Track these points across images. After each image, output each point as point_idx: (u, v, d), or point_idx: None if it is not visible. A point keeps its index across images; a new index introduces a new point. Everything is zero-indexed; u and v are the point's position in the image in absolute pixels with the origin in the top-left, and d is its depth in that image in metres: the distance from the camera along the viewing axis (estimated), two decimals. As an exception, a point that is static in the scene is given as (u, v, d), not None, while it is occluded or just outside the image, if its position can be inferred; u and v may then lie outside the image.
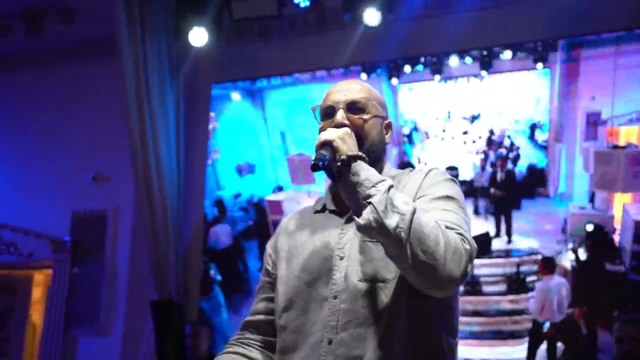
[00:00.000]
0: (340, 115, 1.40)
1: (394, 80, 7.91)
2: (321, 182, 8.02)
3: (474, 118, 9.60)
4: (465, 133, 9.94)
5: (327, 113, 1.44)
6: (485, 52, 6.77)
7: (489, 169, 8.41)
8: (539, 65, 7.34)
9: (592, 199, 7.19)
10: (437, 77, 7.58)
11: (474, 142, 9.49)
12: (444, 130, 9.80)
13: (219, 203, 7.38)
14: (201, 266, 4.74)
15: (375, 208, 1.16)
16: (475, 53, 6.91)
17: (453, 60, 6.82)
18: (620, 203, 6.82)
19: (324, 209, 1.50)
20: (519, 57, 7.42)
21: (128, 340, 4.60)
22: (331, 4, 4.05)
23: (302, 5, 3.89)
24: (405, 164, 8.26)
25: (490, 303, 6.48)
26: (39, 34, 4.62)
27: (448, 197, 1.34)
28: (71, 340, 4.70)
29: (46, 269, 5.05)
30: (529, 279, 6.63)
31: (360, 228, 1.19)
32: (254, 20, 3.97)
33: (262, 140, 8.53)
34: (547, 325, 5.33)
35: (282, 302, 1.41)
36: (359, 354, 1.25)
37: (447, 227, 1.22)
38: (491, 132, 9.50)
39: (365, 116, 1.43)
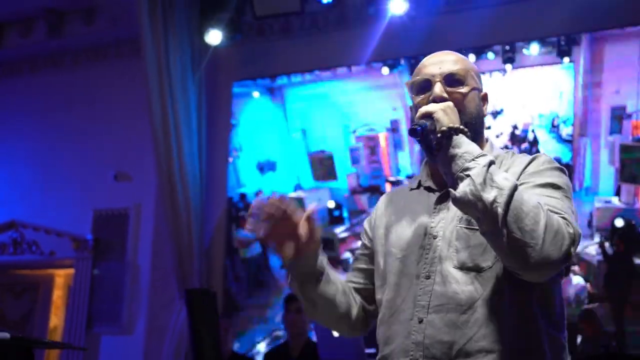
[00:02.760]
0: (439, 89, 1.32)
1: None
2: (343, 179, 7.99)
3: (497, 113, 9.46)
4: (488, 128, 9.83)
5: (423, 87, 1.36)
6: (507, 47, 6.67)
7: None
8: (566, 59, 7.22)
9: (617, 192, 7.07)
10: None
11: (497, 137, 9.36)
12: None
13: (243, 197, 7.43)
14: (224, 262, 4.74)
15: (473, 180, 1.12)
16: (497, 48, 6.80)
17: (490, 55, 6.74)
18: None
19: (419, 186, 1.45)
20: (543, 51, 7.31)
21: (151, 338, 4.62)
22: (353, 1, 4.01)
23: (325, 1, 3.85)
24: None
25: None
26: (61, 34, 4.66)
27: (554, 185, 1.26)
28: (93, 338, 4.73)
29: (68, 268, 5.09)
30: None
31: (456, 200, 1.16)
32: (276, 17, 3.94)
33: (283, 137, 8.51)
34: None
35: (379, 278, 1.41)
36: (448, 339, 1.22)
37: (550, 211, 1.14)
38: (514, 127, 9.38)
39: (464, 89, 1.34)
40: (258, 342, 5.97)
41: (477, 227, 1.21)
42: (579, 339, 5.06)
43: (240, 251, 7.08)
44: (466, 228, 1.27)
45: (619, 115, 7.36)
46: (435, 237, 1.31)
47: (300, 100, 8.39)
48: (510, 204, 1.10)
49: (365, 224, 1.54)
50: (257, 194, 8.23)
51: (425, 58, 1.43)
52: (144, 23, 3.91)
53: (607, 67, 7.49)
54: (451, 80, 1.34)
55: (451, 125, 1.21)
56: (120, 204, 4.98)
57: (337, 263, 6.95)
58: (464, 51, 6.97)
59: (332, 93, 8.05)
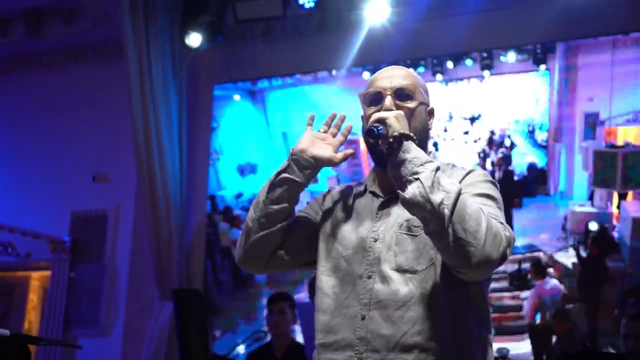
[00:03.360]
0: (389, 102, 1.42)
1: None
2: (323, 182, 8.00)
3: (474, 119, 9.61)
4: (466, 133, 9.96)
5: (375, 99, 1.46)
6: (485, 54, 6.79)
7: (489, 168, 8.45)
8: (542, 66, 7.38)
9: (591, 197, 7.22)
10: (439, 76, 7.60)
11: (475, 142, 9.51)
12: (445, 131, 9.82)
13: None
14: (204, 264, 4.72)
15: (422, 183, 1.21)
16: (475, 55, 6.92)
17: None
18: (618, 201, 6.86)
19: (365, 190, 1.54)
20: (519, 59, 7.44)
21: (129, 340, 4.58)
22: (335, 6, 4.04)
23: (307, 6, 3.87)
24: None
25: (492, 299, 6.51)
26: (40, 34, 4.60)
27: (489, 196, 1.37)
28: (70, 340, 4.66)
29: (44, 270, 5.02)
30: (529, 276, 6.66)
31: (405, 201, 1.23)
32: (257, 21, 3.95)
33: (263, 140, 8.51)
34: (538, 317, 5.40)
35: (322, 267, 1.48)
36: (386, 333, 1.31)
37: (489, 216, 1.25)
38: (492, 133, 9.54)
39: (412, 104, 1.44)
40: (238, 344, 5.95)
41: (415, 234, 1.35)
42: (554, 339, 5.18)
43: (233, 250, 7.10)
44: (405, 234, 1.38)
45: (592, 122, 7.51)
46: (376, 240, 1.41)
47: (281, 103, 8.41)
48: (456, 206, 1.18)
49: (320, 198, 1.62)
50: (237, 197, 8.24)
51: (378, 72, 1.52)
52: (126, 25, 3.89)
53: (580, 75, 7.66)
54: (401, 94, 1.44)
55: (402, 131, 1.30)
56: (99, 205, 4.93)
57: (315, 263, 6.99)
58: (442, 58, 7.09)
59: (313, 97, 8.08)
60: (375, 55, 4.41)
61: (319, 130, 1.54)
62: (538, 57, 7.35)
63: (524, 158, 9.17)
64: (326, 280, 1.46)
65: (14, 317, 5.17)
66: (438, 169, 1.25)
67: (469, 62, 7.17)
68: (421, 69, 7.58)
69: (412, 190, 1.22)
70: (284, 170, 1.46)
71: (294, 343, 3.50)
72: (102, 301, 4.71)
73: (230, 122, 7.97)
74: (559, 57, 7.69)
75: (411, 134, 1.30)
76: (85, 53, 4.96)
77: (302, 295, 6.12)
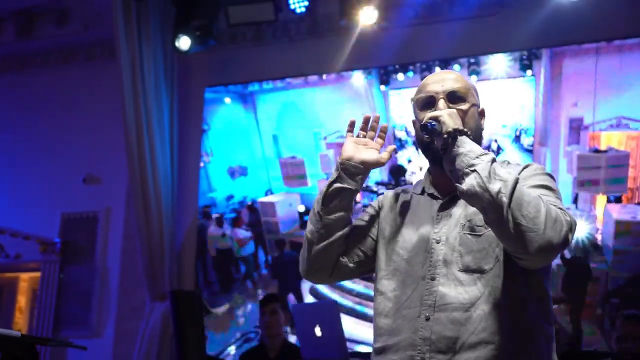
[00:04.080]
0: (442, 105, 1.43)
1: (382, 87, 8.02)
2: (314, 184, 8.02)
3: (461, 123, 9.71)
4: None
5: (427, 103, 1.47)
6: (473, 60, 6.86)
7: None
8: (528, 72, 7.47)
9: (575, 200, 7.30)
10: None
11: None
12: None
13: (207, 214, 7.43)
14: (195, 265, 4.71)
15: (479, 174, 1.22)
16: (463, 60, 6.99)
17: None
18: (602, 204, 6.94)
19: (422, 192, 1.55)
20: (506, 64, 7.52)
21: (120, 341, 4.57)
22: (325, 11, 4.08)
23: (298, 11, 3.90)
24: (397, 167, 8.35)
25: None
26: (31, 35, 4.58)
27: (546, 186, 1.37)
28: (60, 340, 4.63)
29: (34, 271, 4.99)
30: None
31: (463, 193, 1.25)
32: (249, 25, 3.97)
33: (254, 143, 8.50)
34: None
35: (383, 271, 1.49)
36: (452, 335, 1.31)
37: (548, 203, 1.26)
38: (479, 138, 9.67)
39: (465, 106, 1.46)
40: (229, 345, 5.93)
41: (479, 233, 1.35)
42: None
43: (235, 249, 7.13)
44: (469, 234, 1.38)
45: (576, 127, 7.60)
46: (438, 242, 1.41)
47: (272, 106, 8.42)
48: (513, 194, 1.19)
49: (375, 204, 1.63)
50: (227, 199, 8.24)
51: (428, 76, 1.54)
52: (118, 28, 3.89)
53: (565, 81, 7.74)
54: (453, 97, 1.46)
55: (456, 127, 1.31)
56: (90, 207, 4.91)
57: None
58: (431, 63, 7.16)
59: (303, 100, 8.09)
60: (366, 60, 4.45)
61: (357, 136, 1.54)
62: (524, 63, 7.44)
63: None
64: (387, 284, 1.46)
65: (2, 318, 5.13)
66: (494, 160, 1.27)
67: (456, 67, 7.25)
68: (410, 74, 7.65)
69: (469, 182, 1.23)
70: (335, 181, 1.47)
71: (286, 343, 3.52)
72: (92, 302, 4.69)
73: (221, 124, 7.96)
74: (544, 63, 7.79)
75: (465, 129, 1.32)
76: (77, 54, 4.94)
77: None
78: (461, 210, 1.42)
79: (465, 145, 1.29)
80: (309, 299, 6.43)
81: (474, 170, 1.23)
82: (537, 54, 7.41)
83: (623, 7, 3.76)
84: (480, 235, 1.36)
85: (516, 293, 1.34)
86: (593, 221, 6.80)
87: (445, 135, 1.30)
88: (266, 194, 8.12)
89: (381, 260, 1.51)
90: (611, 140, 7.17)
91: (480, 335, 1.30)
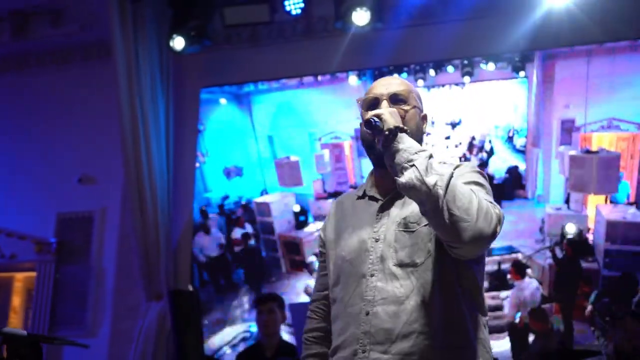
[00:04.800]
0: (385, 106, 1.52)
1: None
2: (309, 185, 8.02)
3: (455, 124, 9.74)
4: (447, 138, 10.09)
5: (372, 104, 1.57)
6: (466, 62, 6.88)
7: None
8: (521, 73, 7.51)
9: (567, 200, 7.34)
10: (421, 82, 7.69)
11: (456, 146, 9.64)
12: (427, 135, 10.00)
13: (203, 212, 7.38)
14: (191, 266, 4.70)
15: (417, 168, 1.30)
16: (457, 62, 7.02)
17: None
18: (594, 204, 6.98)
19: (364, 195, 1.63)
20: (499, 67, 7.56)
21: (115, 341, 4.54)
22: (320, 13, 4.06)
23: (294, 12, 3.89)
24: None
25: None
26: (26, 36, 4.55)
27: (477, 182, 1.45)
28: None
29: (29, 271, 4.95)
30: (510, 276, 6.75)
31: (401, 186, 1.31)
32: (245, 26, 3.96)
33: (249, 143, 8.51)
34: (518, 316, 5.48)
35: (332, 279, 1.59)
36: (389, 327, 1.40)
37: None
38: (472, 138, 9.67)
39: (406, 107, 1.55)
40: (226, 344, 5.93)
41: (411, 229, 1.44)
42: (531, 337, 5.25)
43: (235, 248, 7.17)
44: (403, 231, 1.47)
45: (568, 128, 7.65)
46: (377, 241, 1.50)
47: (267, 107, 8.42)
48: (448, 186, 1.26)
49: (321, 233, 1.74)
50: (223, 199, 8.23)
51: (376, 81, 1.64)
52: (114, 29, 3.87)
53: (557, 83, 7.79)
54: (395, 99, 1.55)
55: (396, 124, 1.37)
56: (85, 207, 4.88)
57: (303, 265, 7.00)
58: (424, 65, 7.16)
59: (298, 101, 8.10)
60: (360, 61, 4.44)
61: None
62: (517, 65, 7.49)
63: (503, 163, 9.30)
64: (336, 290, 1.56)
65: (-2, 317, 5.11)
66: (431, 156, 1.33)
67: (450, 69, 7.28)
68: (404, 75, 7.67)
69: (408, 175, 1.30)
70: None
71: (283, 342, 3.51)
72: (88, 302, 4.66)
73: (216, 125, 7.97)
74: (537, 65, 7.83)
75: (404, 127, 1.38)
76: (73, 55, 4.90)
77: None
78: (398, 210, 1.51)
79: (405, 141, 1.35)
80: (303, 298, 6.42)
81: (413, 165, 1.30)
82: (530, 56, 7.45)
83: (614, 10, 3.77)
84: (413, 232, 1.46)
85: (447, 285, 1.42)
86: (585, 221, 6.84)
87: (387, 132, 1.36)
88: (261, 194, 8.12)
89: (330, 270, 1.62)
90: (602, 141, 7.22)
91: (413, 325, 1.39)
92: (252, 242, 7.32)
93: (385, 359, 1.39)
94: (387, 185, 1.54)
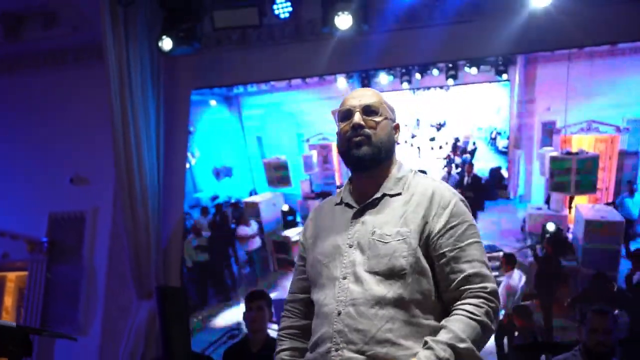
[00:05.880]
0: (357, 117, 1.57)
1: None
2: (297, 185, 8.02)
3: (440, 126, 9.79)
4: (432, 139, 10.14)
5: (345, 116, 1.61)
6: (450, 65, 6.93)
7: (454, 173, 8.60)
8: (504, 76, 7.58)
9: (547, 201, 7.41)
10: (406, 85, 7.72)
11: (440, 147, 9.68)
12: (412, 137, 9.98)
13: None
14: (181, 265, 4.68)
15: None
16: (441, 65, 7.06)
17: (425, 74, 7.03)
18: (573, 204, 7.05)
19: (341, 202, 1.66)
20: (482, 70, 7.61)
21: (107, 339, 4.51)
22: (309, 16, 4.08)
23: (283, 16, 3.89)
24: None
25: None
26: (19, 38, 4.51)
27: (474, 243, 1.53)
28: (47, 339, 4.56)
29: (21, 270, 4.91)
30: (493, 274, 6.80)
31: None
32: (234, 29, 3.96)
33: (239, 144, 8.49)
34: (502, 313, 5.53)
35: (311, 281, 1.63)
36: (362, 328, 1.43)
37: (475, 276, 1.47)
38: (456, 139, 9.73)
39: (378, 118, 1.59)
40: (214, 342, 5.90)
41: (386, 241, 1.48)
42: (516, 333, 5.30)
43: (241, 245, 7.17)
44: (377, 240, 1.50)
45: (549, 130, 7.73)
46: (350, 246, 1.53)
47: (256, 109, 8.41)
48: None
49: (301, 237, 1.77)
50: (212, 199, 8.21)
51: (349, 93, 1.68)
52: (106, 31, 3.86)
53: (538, 85, 7.87)
54: (368, 110, 1.59)
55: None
56: (77, 207, 4.85)
57: (290, 265, 7.00)
58: (410, 68, 7.19)
59: (287, 103, 8.10)
60: (348, 64, 4.46)
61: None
62: (499, 69, 7.55)
63: (485, 163, 9.38)
64: (315, 292, 1.59)
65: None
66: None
67: (435, 72, 7.32)
68: (390, 78, 7.71)
69: None
70: None
71: (269, 338, 3.52)
72: (79, 301, 4.63)
73: (206, 126, 7.95)
74: (519, 69, 7.89)
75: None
76: (65, 57, 4.88)
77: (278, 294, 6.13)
78: (372, 218, 1.55)
79: None
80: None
81: None
82: (512, 59, 7.51)
83: (595, 15, 3.82)
84: (387, 243, 1.48)
85: (422, 303, 1.47)
86: (565, 221, 6.91)
87: None
88: (250, 194, 8.11)
89: (309, 274, 1.65)
90: (582, 143, 7.30)
91: (386, 334, 1.42)
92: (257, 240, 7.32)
93: (360, 359, 1.42)
94: (363, 193, 1.60)
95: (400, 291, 1.45)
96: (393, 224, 1.50)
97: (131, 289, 4.42)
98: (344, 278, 1.50)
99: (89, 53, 4.70)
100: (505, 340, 5.46)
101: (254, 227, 7.41)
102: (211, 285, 7.09)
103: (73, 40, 4.66)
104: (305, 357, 1.58)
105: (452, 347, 1.36)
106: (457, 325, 1.40)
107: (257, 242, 7.41)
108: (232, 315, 6.48)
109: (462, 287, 1.46)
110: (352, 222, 1.57)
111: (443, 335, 1.39)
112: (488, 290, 1.46)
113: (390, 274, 1.46)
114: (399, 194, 1.56)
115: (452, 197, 1.55)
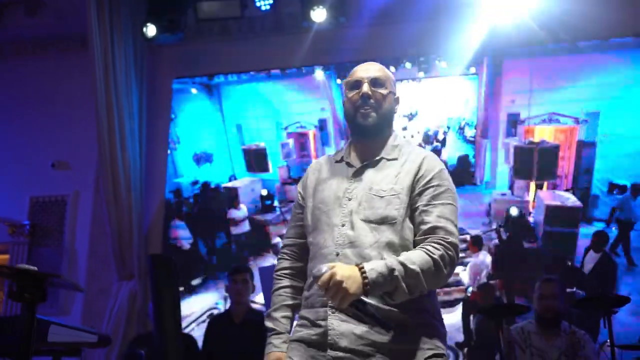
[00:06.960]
0: (366, 87, 1.71)
1: (339, 80, 8.14)
2: (275, 171, 8.05)
3: (412, 116, 9.91)
4: (404, 129, 10.27)
5: (355, 86, 1.74)
6: (422, 58, 7.03)
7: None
8: (472, 69, 7.71)
9: (511, 187, 7.61)
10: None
11: (412, 137, 9.82)
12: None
13: (177, 193, 7.33)
14: (162, 247, 4.69)
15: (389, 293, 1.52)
16: (414, 59, 7.15)
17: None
18: (534, 190, 7.27)
19: (341, 160, 1.80)
20: (452, 63, 7.72)
21: (87, 319, 4.52)
22: (288, 10, 4.10)
23: (263, 8, 3.91)
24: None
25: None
26: (2, 25, 4.40)
27: (448, 204, 1.66)
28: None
29: (3, 253, 4.85)
30: (460, 255, 6.96)
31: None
32: (216, 20, 3.95)
33: (219, 131, 8.44)
34: (470, 290, 5.72)
35: (310, 226, 1.76)
36: (357, 263, 1.55)
37: (440, 229, 1.58)
38: (427, 129, 9.88)
39: (384, 91, 1.74)
40: (193, 320, 5.93)
41: (381, 195, 1.64)
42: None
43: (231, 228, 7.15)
44: (374, 195, 1.66)
45: (514, 121, 7.91)
46: (350, 199, 1.69)
47: (236, 97, 8.37)
48: (409, 288, 1.50)
49: (299, 187, 1.89)
50: (192, 184, 8.20)
51: (358, 65, 1.80)
52: (91, 20, 3.81)
53: (504, 80, 8.03)
54: (376, 83, 1.74)
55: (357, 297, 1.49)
56: (58, 191, 4.81)
57: (269, 247, 7.07)
58: (385, 61, 7.27)
59: (266, 92, 8.09)
60: (325, 56, 4.51)
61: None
62: (468, 63, 7.66)
63: (455, 152, 9.57)
64: (313, 235, 1.72)
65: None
66: (392, 270, 1.48)
67: (408, 64, 7.41)
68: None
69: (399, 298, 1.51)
70: None
71: (251, 309, 3.61)
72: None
73: (187, 113, 7.87)
74: (486, 63, 8.03)
75: (361, 297, 1.49)
76: (48, 44, 4.80)
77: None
78: (370, 177, 1.70)
79: (375, 291, 1.48)
80: (274, 261, 6.49)
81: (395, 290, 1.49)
82: (480, 55, 7.67)
83: (556, 15, 3.95)
84: (382, 197, 1.64)
85: (404, 243, 1.62)
86: (527, 206, 7.13)
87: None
88: (230, 180, 8.11)
89: (308, 219, 1.77)
90: (544, 133, 7.51)
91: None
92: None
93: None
94: (363, 154, 1.75)
95: (392, 237, 1.60)
96: (388, 182, 1.66)
97: (112, 270, 4.42)
98: (343, 225, 1.64)
99: (73, 42, 4.63)
100: (472, 317, 5.65)
101: (244, 210, 7.43)
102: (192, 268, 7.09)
103: (58, 29, 4.59)
104: (302, 295, 1.72)
105: (402, 264, 1.48)
106: (413, 254, 1.54)
107: (246, 226, 7.45)
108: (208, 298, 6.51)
109: (428, 235, 1.60)
110: (352, 179, 1.72)
111: (398, 257, 1.52)
112: (449, 240, 1.58)
113: (383, 222, 1.61)
114: (395, 159, 1.72)
115: (439, 165, 1.72)
